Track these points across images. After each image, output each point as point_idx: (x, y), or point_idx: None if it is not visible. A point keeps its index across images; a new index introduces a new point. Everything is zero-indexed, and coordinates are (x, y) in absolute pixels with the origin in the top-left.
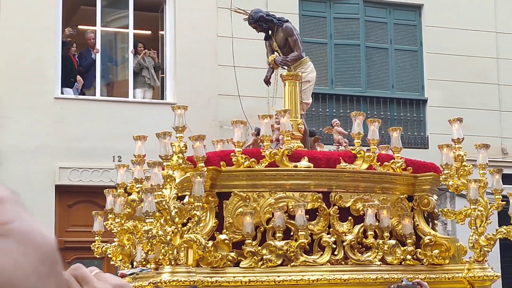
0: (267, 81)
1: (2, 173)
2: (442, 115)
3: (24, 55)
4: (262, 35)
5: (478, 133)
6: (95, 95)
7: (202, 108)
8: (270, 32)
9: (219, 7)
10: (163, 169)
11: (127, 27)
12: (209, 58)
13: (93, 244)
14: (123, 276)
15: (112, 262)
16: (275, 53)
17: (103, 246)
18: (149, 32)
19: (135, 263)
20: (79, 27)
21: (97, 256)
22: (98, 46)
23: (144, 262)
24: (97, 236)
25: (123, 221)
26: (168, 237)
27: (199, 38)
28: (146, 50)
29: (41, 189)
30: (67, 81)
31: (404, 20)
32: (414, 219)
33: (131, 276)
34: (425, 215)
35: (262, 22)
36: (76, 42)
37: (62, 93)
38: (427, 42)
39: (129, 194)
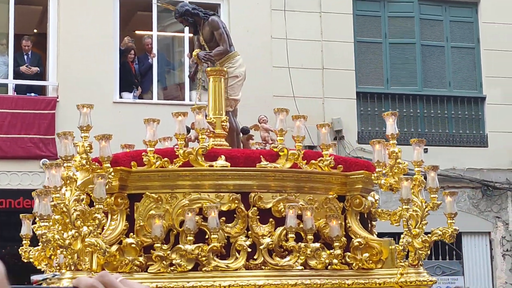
0: (191, 77)
1: None
2: (501, 113)
3: (82, 61)
4: (316, 36)
5: None
6: (152, 99)
7: (257, 109)
8: (198, 26)
9: (273, 9)
10: None
11: (183, 31)
12: (263, 60)
13: (20, 248)
14: (35, 282)
15: (39, 267)
16: (202, 48)
17: (30, 250)
18: None
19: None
20: (136, 32)
21: (24, 261)
22: (154, 50)
23: (58, 268)
24: (25, 240)
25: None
26: (67, 241)
27: (253, 40)
28: None
29: None
30: (125, 86)
31: (460, 17)
32: (347, 221)
33: (43, 282)
34: (365, 216)
35: (188, 16)
36: (134, 48)
37: (120, 97)
38: (484, 39)
39: None
